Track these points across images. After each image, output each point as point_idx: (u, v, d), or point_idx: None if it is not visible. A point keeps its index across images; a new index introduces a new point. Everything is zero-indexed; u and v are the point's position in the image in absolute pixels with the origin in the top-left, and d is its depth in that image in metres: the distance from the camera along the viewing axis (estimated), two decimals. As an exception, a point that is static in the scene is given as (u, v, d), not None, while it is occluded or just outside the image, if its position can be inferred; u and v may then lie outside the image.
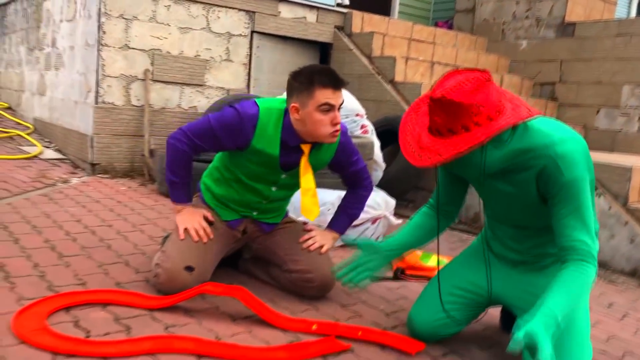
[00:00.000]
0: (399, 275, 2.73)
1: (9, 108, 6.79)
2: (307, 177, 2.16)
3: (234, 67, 4.96)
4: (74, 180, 4.12)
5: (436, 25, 7.04)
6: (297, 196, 3.07)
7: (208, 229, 2.18)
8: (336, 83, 2.04)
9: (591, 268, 1.57)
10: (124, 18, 4.35)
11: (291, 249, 2.29)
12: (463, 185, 2.00)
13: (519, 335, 1.37)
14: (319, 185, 3.21)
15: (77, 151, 4.64)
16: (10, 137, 5.28)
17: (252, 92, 5.05)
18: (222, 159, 2.28)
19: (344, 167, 2.31)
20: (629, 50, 5.31)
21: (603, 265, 3.39)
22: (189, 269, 2.06)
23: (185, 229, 2.16)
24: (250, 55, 5.08)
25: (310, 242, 2.29)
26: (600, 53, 5.52)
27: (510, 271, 1.91)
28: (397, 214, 4.10)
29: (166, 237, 2.56)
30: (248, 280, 2.40)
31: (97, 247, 2.60)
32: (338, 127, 2.09)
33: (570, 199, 1.59)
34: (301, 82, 2.04)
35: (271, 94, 5.00)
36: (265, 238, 2.36)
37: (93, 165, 4.38)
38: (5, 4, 7.20)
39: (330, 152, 2.24)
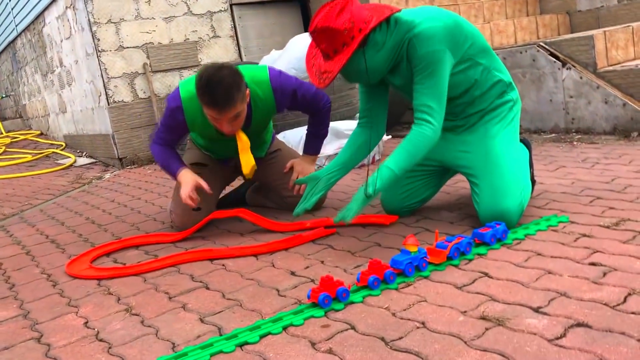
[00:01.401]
0: None
1: (41, 134, 7.38)
2: (242, 146, 2.37)
3: (222, 41, 5.32)
4: (107, 176, 4.61)
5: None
6: (290, 134, 3.43)
7: (194, 196, 2.33)
8: (217, 104, 2.11)
9: (425, 128, 1.90)
10: (112, 22, 4.76)
11: (280, 179, 2.65)
12: (381, 96, 2.23)
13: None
14: (299, 124, 3.56)
15: (105, 152, 5.13)
16: (47, 156, 5.84)
17: (245, 60, 5.41)
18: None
19: (291, 106, 2.51)
20: None
21: (586, 130, 3.64)
22: (197, 209, 2.46)
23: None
24: (235, 27, 5.42)
25: (294, 176, 2.57)
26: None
27: (450, 137, 2.23)
28: (399, 136, 4.42)
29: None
30: (255, 209, 2.80)
31: (128, 214, 3.06)
32: (228, 131, 2.24)
33: (424, 69, 1.90)
34: (196, 87, 2.15)
35: (265, 50, 5.30)
36: (257, 171, 2.72)
37: (120, 160, 4.86)
38: (13, 41, 7.75)
39: (269, 105, 2.42)
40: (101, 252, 2.33)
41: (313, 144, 2.65)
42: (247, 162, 2.40)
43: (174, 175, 2.43)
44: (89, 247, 2.48)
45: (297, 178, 2.55)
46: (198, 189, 2.38)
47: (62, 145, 6.29)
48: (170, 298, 1.75)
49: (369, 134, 2.23)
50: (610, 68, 3.62)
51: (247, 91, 2.25)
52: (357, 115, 3.91)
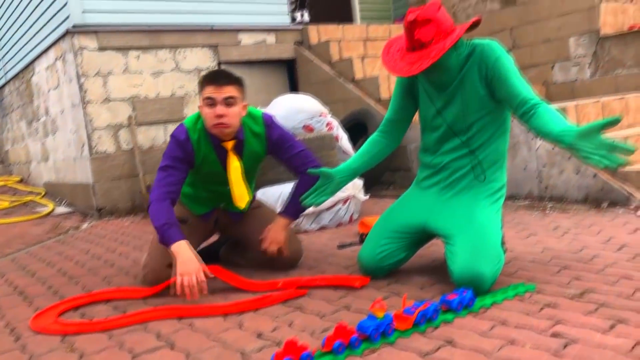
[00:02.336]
0: (364, 239, 3.10)
1: (21, 180, 7.35)
2: (234, 170, 2.47)
3: (208, 98, 5.41)
4: (84, 226, 4.58)
5: (394, 22, 7.46)
6: (270, 191, 3.47)
7: (204, 285, 2.20)
8: (217, 79, 2.35)
9: (547, 105, 2.03)
10: (100, 75, 4.85)
11: (260, 232, 2.66)
12: (412, 110, 2.42)
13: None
14: (290, 180, 3.61)
15: (84, 201, 5.12)
16: (25, 203, 5.80)
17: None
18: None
19: (281, 153, 2.60)
20: (566, 5, 5.66)
21: (559, 199, 3.73)
22: (171, 265, 2.45)
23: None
24: (222, 84, 5.52)
25: (266, 246, 2.57)
26: (543, 13, 5.88)
27: (436, 199, 2.29)
28: (378, 196, 4.48)
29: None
30: (229, 267, 2.79)
31: (101, 267, 3.04)
32: (221, 119, 2.35)
33: (507, 72, 2.07)
34: (199, 83, 2.46)
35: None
36: (236, 226, 2.75)
37: (99, 210, 4.85)
38: (1, 88, 7.82)
39: (260, 143, 2.55)
40: (69, 306, 2.30)
41: (292, 205, 2.61)
42: (242, 193, 2.47)
43: (169, 241, 2.26)
44: (58, 300, 2.45)
45: (268, 244, 2.56)
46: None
47: (41, 192, 6.26)
48: (133, 357, 1.73)
49: (385, 144, 2.42)
50: (582, 139, 3.75)
51: (244, 104, 2.45)
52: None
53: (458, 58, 2.16)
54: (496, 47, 2.13)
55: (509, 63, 2.11)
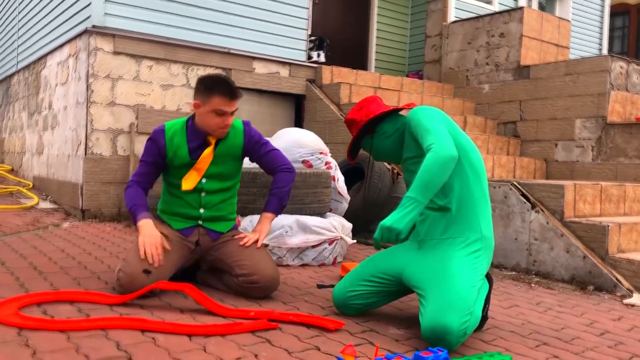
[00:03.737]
0: None
1: (12, 170, 7.27)
2: (204, 156, 2.61)
3: (213, 118, 5.40)
4: (65, 225, 4.50)
5: (407, 76, 7.56)
6: (257, 219, 3.42)
7: (161, 256, 2.47)
8: (232, 95, 2.53)
9: (432, 152, 2.08)
10: (110, 78, 4.85)
11: (237, 256, 2.62)
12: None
13: (376, 236, 2.08)
14: (254, 211, 3.56)
15: (70, 200, 5.04)
16: (10, 193, 5.71)
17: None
18: (165, 184, 2.76)
19: (256, 150, 2.75)
20: (577, 88, 5.75)
21: (546, 275, 3.68)
22: (147, 272, 2.40)
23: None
24: (229, 108, 5.53)
25: (245, 240, 2.66)
26: (553, 91, 5.96)
27: (414, 252, 2.27)
28: (364, 242, 4.43)
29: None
30: (204, 289, 2.72)
31: (74, 267, 2.95)
32: (226, 128, 2.59)
33: (418, 125, 2.20)
34: (205, 86, 2.56)
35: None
36: (215, 249, 2.70)
37: (83, 211, 4.77)
38: (10, 76, 7.82)
39: (238, 139, 2.70)
40: (33, 301, 2.22)
41: (273, 203, 2.77)
42: (193, 176, 2.62)
43: (136, 218, 2.56)
44: (22, 293, 2.36)
45: (250, 238, 2.68)
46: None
47: (29, 184, 6.18)
48: (88, 363, 1.65)
49: None
50: (576, 219, 3.73)
51: None
52: (327, 214, 3.93)
53: (389, 139, 2.40)
54: (413, 111, 2.27)
55: (419, 116, 2.22)
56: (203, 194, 2.67)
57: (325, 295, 2.77)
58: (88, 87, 4.76)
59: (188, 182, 2.61)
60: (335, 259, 3.65)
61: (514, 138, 6.21)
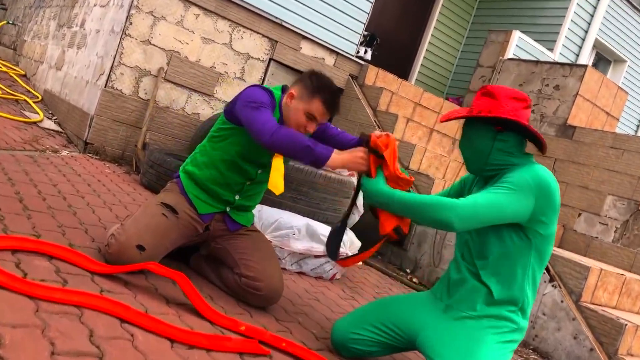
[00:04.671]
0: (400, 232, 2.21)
1: (24, 76, 6.96)
2: (278, 160, 2.30)
3: (244, 86, 5.12)
4: (64, 152, 4.22)
5: (446, 99, 7.27)
6: (268, 212, 3.16)
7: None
8: (333, 108, 2.30)
9: (452, 207, 1.80)
10: (152, 15, 4.55)
11: (247, 254, 2.36)
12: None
13: None
14: (292, 210, 3.31)
15: (75, 127, 4.76)
16: (17, 101, 5.42)
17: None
18: (215, 142, 2.40)
19: (330, 136, 2.45)
20: (619, 164, 5.49)
21: (544, 354, 3.45)
22: (140, 247, 2.14)
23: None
24: (263, 80, 5.25)
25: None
26: (592, 160, 5.70)
27: (436, 317, 2.00)
28: (367, 263, 4.18)
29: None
30: (195, 276, 2.46)
31: (63, 210, 2.68)
32: (307, 133, 2.31)
33: (499, 184, 1.88)
34: (312, 83, 2.26)
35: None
36: (225, 238, 2.43)
37: (86, 143, 4.49)
38: (49, -20, 7.48)
39: None
40: (9, 245, 1.95)
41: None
42: (279, 178, 2.26)
43: (324, 157, 2.09)
44: (0, 231, 2.10)
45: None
46: (156, 232, 2.21)
47: (38, 97, 5.88)
48: (52, 354, 1.39)
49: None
50: (592, 306, 3.49)
51: None
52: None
53: (497, 154, 1.93)
54: (522, 173, 1.87)
55: (510, 180, 1.86)
56: (248, 183, 2.40)
57: (320, 318, 2.51)
58: (128, 17, 4.46)
59: (279, 184, 2.23)
60: (334, 275, 3.39)
61: (538, 194, 5.95)
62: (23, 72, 7.01)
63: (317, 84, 2.26)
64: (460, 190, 2.23)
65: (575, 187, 5.77)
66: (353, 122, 5.44)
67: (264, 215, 3.17)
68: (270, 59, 5.23)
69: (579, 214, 5.69)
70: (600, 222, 5.53)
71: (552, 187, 1.87)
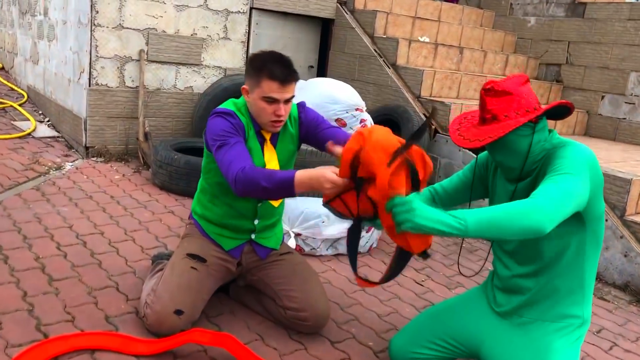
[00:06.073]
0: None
1: (2, 69, 6.65)
2: (273, 165, 2.17)
3: (231, 45, 4.81)
4: (67, 166, 4.06)
5: (443, -5, 6.78)
6: (290, 205, 3.04)
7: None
8: (284, 78, 2.01)
9: (531, 205, 1.55)
10: (117, -4, 4.18)
11: (286, 284, 2.27)
12: (466, 196, 2.09)
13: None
14: (312, 195, 3.17)
15: (71, 131, 4.57)
16: (4, 110, 5.18)
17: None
18: (209, 179, 2.24)
19: (316, 132, 2.21)
20: (639, 37, 5.14)
21: (596, 275, 3.40)
22: (179, 312, 2.05)
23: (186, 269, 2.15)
24: (249, 33, 4.91)
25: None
26: (609, 37, 5.35)
27: (497, 323, 1.92)
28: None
29: (157, 257, 2.55)
30: (239, 308, 2.40)
31: (87, 265, 2.59)
32: (281, 118, 2.08)
33: (558, 169, 1.66)
34: (253, 67, 2.06)
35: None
36: (260, 269, 2.33)
37: (87, 147, 4.32)
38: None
39: (294, 129, 2.24)
40: (49, 355, 1.87)
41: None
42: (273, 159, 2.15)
43: (288, 183, 1.85)
44: (34, 329, 2.02)
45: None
46: (190, 290, 2.10)
47: (24, 96, 5.62)
48: None
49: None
50: (639, 219, 3.38)
51: None
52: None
53: (535, 147, 1.76)
54: (573, 146, 1.72)
55: (572, 156, 1.68)
56: (259, 204, 2.24)
57: (372, 321, 2.46)
58: (92, 6, 4.10)
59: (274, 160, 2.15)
60: (371, 247, 3.31)
61: (556, 83, 5.68)
62: (0, 65, 6.69)
63: (257, 64, 2.05)
64: (463, 187, 2.08)
65: (595, 69, 5.47)
66: (351, 55, 5.12)
67: (288, 209, 3.05)
68: (252, 8, 4.85)
69: (602, 97, 5.44)
70: (626, 102, 5.29)
71: (596, 161, 1.74)
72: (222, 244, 2.26)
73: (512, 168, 1.82)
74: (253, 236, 2.31)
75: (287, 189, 1.88)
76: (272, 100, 2.04)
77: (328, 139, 2.11)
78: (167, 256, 2.51)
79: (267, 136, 2.18)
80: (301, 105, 2.29)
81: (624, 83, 5.27)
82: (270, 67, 2.03)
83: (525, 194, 1.77)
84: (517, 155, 1.79)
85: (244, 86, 2.13)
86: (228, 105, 2.16)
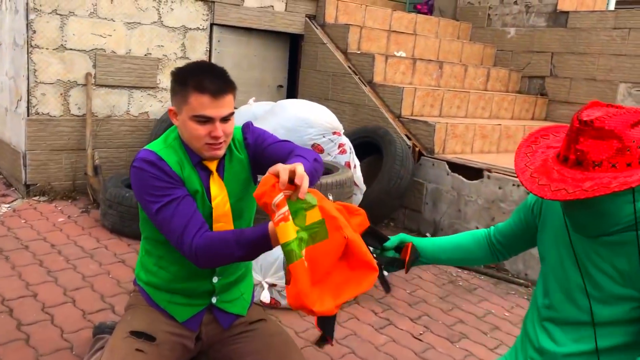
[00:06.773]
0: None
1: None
2: (221, 199, 1.71)
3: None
4: (4, 208, 3.53)
5: (415, 8, 6.46)
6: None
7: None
8: (216, 90, 1.56)
9: None
10: (58, 14, 3.69)
11: (263, 357, 1.79)
12: (528, 241, 1.63)
13: None
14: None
15: (9, 167, 4.03)
16: None
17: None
18: (150, 238, 1.77)
19: (263, 150, 1.76)
20: (626, 46, 4.86)
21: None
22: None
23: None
24: (210, 51, 4.47)
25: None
26: (595, 47, 5.06)
27: None
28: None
29: (98, 328, 2.06)
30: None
31: (11, 342, 2.07)
32: (219, 141, 1.61)
33: None
34: (178, 82, 1.60)
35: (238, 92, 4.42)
36: (225, 343, 1.85)
37: (27, 186, 3.78)
38: None
39: (242, 153, 1.76)
40: None
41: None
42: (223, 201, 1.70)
43: (262, 239, 1.47)
44: None
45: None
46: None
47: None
48: None
49: (489, 255, 1.69)
50: None
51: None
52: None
53: (629, 211, 1.28)
54: None
55: None
56: None
57: None
58: (29, 25, 3.61)
59: (222, 205, 1.70)
60: (358, 293, 2.86)
61: (541, 97, 5.36)
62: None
63: (180, 78, 1.60)
64: (525, 227, 1.63)
65: (581, 81, 5.17)
66: (324, 73, 4.71)
67: (260, 258, 2.58)
68: (212, 24, 4.41)
69: (591, 110, 5.12)
70: (616, 115, 4.98)
71: None
72: (174, 314, 1.78)
73: (593, 227, 1.37)
74: (214, 300, 1.83)
75: (262, 246, 1.47)
76: (204, 120, 1.57)
77: (270, 160, 1.65)
78: (110, 329, 2.02)
79: (212, 167, 1.71)
80: (245, 126, 1.81)
81: (612, 95, 4.98)
82: (198, 78, 1.56)
83: (609, 250, 1.33)
84: (606, 217, 1.32)
85: (169, 109, 1.65)
86: (154, 145, 1.68)
